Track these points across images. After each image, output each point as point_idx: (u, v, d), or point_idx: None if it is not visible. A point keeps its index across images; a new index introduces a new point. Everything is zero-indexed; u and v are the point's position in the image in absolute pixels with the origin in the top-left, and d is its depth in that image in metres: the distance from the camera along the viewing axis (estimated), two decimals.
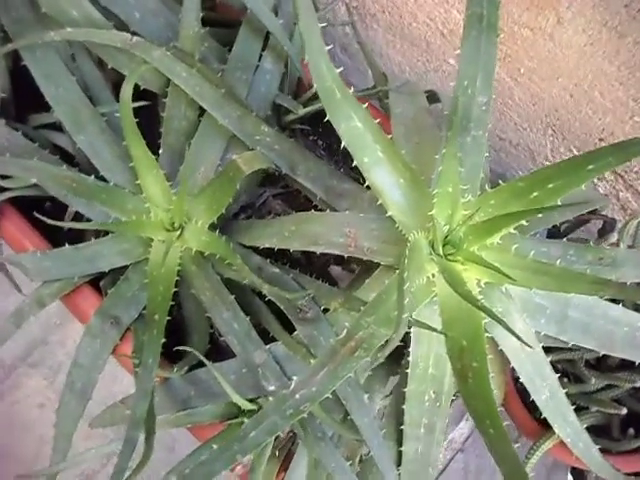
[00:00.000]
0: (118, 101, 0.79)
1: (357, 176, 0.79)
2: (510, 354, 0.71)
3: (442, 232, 0.67)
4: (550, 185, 0.62)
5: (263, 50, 0.85)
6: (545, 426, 0.82)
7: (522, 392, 0.85)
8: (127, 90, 0.73)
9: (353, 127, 0.65)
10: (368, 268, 0.75)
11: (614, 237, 0.80)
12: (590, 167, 0.59)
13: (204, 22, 0.81)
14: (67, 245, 0.80)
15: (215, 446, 0.70)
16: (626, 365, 0.80)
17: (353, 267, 0.87)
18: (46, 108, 0.83)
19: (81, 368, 0.79)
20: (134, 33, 0.78)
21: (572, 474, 0.86)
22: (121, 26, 0.79)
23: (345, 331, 0.65)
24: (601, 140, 0.90)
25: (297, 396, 0.62)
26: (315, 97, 0.88)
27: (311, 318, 0.75)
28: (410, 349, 0.70)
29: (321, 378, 0.63)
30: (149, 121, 0.81)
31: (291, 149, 0.80)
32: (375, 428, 0.72)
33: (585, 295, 0.71)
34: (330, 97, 0.64)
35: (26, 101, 0.84)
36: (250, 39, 0.84)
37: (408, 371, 0.71)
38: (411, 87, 0.85)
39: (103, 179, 0.81)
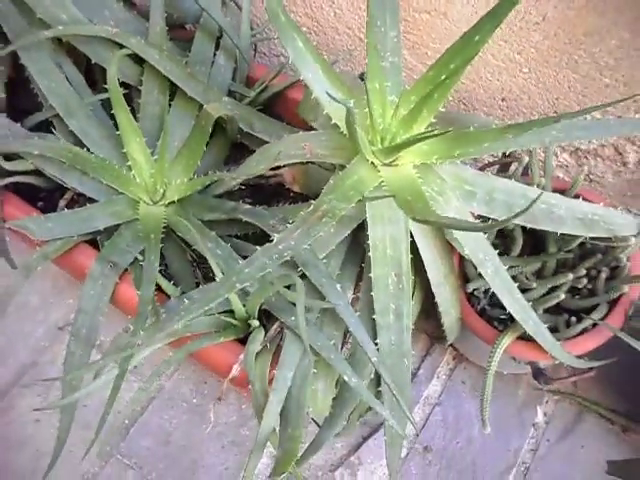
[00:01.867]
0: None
1: None
2: (455, 233, 0.85)
3: (378, 127, 0.83)
4: (452, 65, 0.80)
5: (216, 49, 1.04)
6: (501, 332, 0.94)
7: (476, 308, 0.97)
8: (113, 69, 0.90)
9: (297, 47, 0.83)
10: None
11: None
12: (476, 38, 0.78)
13: None
14: (66, 210, 0.92)
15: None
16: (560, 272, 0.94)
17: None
18: (38, 109, 0.99)
19: (85, 314, 0.89)
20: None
21: (533, 375, 0.95)
22: None
23: (312, 206, 0.78)
24: (503, 100, 1.09)
25: (280, 247, 0.75)
26: (262, 91, 1.07)
27: (282, 230, 0.88)
28: (369, 232, 0.83)
29: (297, 235, 0.76)
30: None
31: (249, 112, 0.98)
32: (350, 309, 0.83)
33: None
34: (277, 20, 0.82)
35: (19, 107, 1.00)
36: (205, 40, 1.03)
37: (370, 254, 0.84)
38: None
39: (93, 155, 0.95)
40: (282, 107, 1.08)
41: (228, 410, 1.12)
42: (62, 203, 1.01)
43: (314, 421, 0.87)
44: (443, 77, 0.80)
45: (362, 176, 0.83)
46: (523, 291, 0.89)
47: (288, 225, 0.86)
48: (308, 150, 0.86)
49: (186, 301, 0.83)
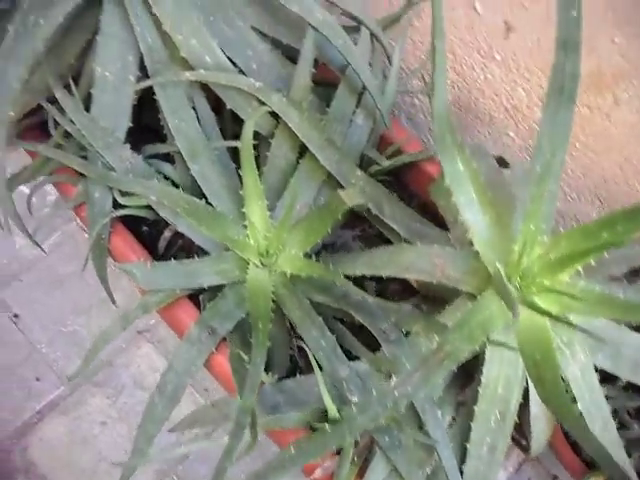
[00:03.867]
0: (225, 138, 0.92)
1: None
2: (572, 382, 0.80)
3: (521, 265, 0.77)
4: (619, 227, 0.72)
5: (356, 107, 0.97)
6: (589, 466, 0.90)
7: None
8: (249, 126, 0.84)
9: (456, 169, 0.76)
10: (444, 297, 0.85)
11: None
12: None
13: None
14: (173, 261, 0.89)
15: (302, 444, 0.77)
16: None
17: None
18: (161, 140, 0.95)
19: (175, 373, 0.87)
20: None
21: None
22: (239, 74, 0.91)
23: (435, 344, 0.74)
24: None
25: (396, 393, 0.71)
26: (394, 154, 1.00)
27: (393, 340, 0.84)
28: (483, 369, 0.79)
29: (415, 380, 0.71)
30: None
31: (380, 193, 0.91)
32: (447, 441, 0.80)
33: None
34: (442, 141, 0.75)
35: (143, 121, 0.96)
36: (347, 97, 0.96)
37: (479, 390, 0.79)
38: (481, 150, 0.97)
39: (210, 205, 0.91)
40: (413, 177, 1.02)
41: None
42: (167, 234, 0.98)
43: None
44: (604, 235, 0.73)
45: (492, 313, 0.77)
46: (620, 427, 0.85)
47: (401, 334, 0.82)
48: (440, 269, 0.80)
49: (280, 395, 0.81)
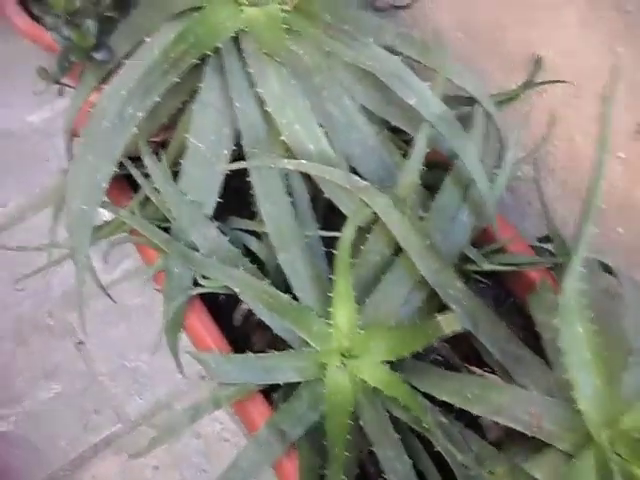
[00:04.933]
0: (320, 226, 0.86)
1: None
2: None
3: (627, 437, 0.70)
4: None
5: (462, 201, 0.89)
6: None
7: None
8: (349, 230, 0.79)
9: (575, 332, 0.69)
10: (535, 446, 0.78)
11: None
12: None
13: None
14: (250, 354, 0.84)
15: None
16: None
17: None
18: (248, 214, 0.89)
19: (238, 470, 0.83)
20: (353, 169, 0.84)
21: None
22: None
23: None
24: None
25: None
26: (496, 251, 0.93)
27: (473, 476, 0.78)
28: None
29: None
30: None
31: (477, 307, 0.84)
32: None
33: None
34: (564, 308, 0.68)
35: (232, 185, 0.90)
36: (453, 190, 0.88)
37: None
38: (590, 264, 0.89)
39: (294, 297, 0.85)
40: (513, 278, 0.94)
41: None
42: (244, 307, 0.93)
43: None
44: None
45: None
46: None
47: (482, 472, 0.77)
48: (536, 421, 0.73)
49: None
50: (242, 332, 0.95)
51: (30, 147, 1.37)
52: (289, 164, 0.81)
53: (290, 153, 0.83)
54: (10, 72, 1.41)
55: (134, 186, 0.93)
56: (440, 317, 0.76)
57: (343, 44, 0.81)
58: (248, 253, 0.91)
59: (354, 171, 0.85)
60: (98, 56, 0.87)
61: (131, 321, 1.20)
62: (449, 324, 0.77)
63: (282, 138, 0.81)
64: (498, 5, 1.01)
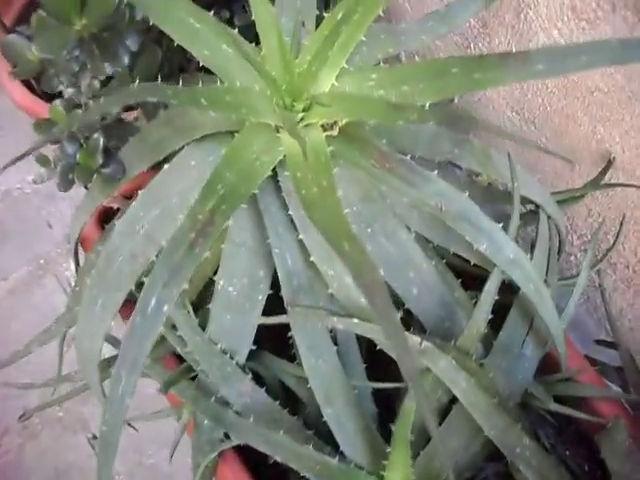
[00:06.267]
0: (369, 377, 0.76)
1: None
2: None
3: None
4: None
5: (527, 334, 0.79)
6: None
7: None
8: (410, 405, 0.68)
9: None
10: None
11: None
12: None
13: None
14: None
15: None
16: None
17: None
18: (286, 354, 0.79)
19: None
20: (408, 311, 0.74)
21: None
22: (395, 301, 0.73)
23: None
24: None
25: None
26: (561, 380, 0.83)
27: None
28: None
29: None
30: None
31: (549, 468, 0.74)
32: None
33: None
34: None
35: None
36: (517, 325, 0.78)
37: None
38: None
39: (343, 460, 0.75)
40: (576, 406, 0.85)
41: None
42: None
43: None
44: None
45: None
46: None
47: None
48: None
49: None
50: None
51: (31, 211, 1.23)
52: (339, 323, 0.70)
53: (335, 299, 0.72)
54: (6, 125, 1.27)
55: None
56: None
57: (401, 180, 0.69)
58: (285, 392, 0.81)
59: (409, 313, 0.75)
60: (107, 171, 0.76)
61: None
62: None
63: (330, 291, 0.70)
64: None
